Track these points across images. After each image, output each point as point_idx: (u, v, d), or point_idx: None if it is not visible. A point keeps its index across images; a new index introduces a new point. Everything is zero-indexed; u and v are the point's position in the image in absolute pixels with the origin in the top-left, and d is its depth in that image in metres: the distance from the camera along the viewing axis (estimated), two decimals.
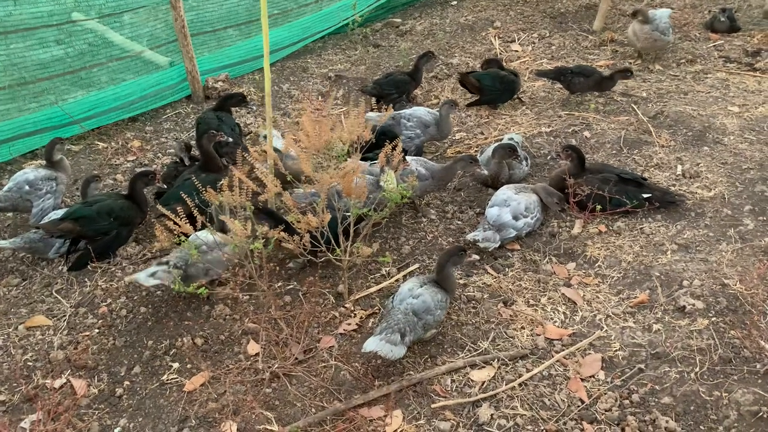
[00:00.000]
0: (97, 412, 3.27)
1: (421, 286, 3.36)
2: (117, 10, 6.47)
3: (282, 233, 3.35)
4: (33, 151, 5.72)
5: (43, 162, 4.88)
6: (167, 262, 3.69)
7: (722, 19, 7.10)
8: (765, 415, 2.95)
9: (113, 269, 4.24)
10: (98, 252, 4.17)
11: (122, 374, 3.48)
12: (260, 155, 3.52)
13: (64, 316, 3.89)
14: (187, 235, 3.42)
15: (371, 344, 3.14)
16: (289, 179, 3.95)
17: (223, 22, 7.31)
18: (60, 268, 4.29)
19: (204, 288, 3.41)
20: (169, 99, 6.56)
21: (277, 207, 4.21)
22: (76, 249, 4.29)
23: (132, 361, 3.56)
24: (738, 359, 3.25)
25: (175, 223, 3.30)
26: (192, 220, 3.42)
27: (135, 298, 3.97)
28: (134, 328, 3.77)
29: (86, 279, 4.18)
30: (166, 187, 4.61)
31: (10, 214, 4.82)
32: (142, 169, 5.27)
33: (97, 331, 3.76)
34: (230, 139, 4.79)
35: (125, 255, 4.35)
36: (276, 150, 4.02)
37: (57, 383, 3.41)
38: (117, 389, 3.38)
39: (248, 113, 6.39)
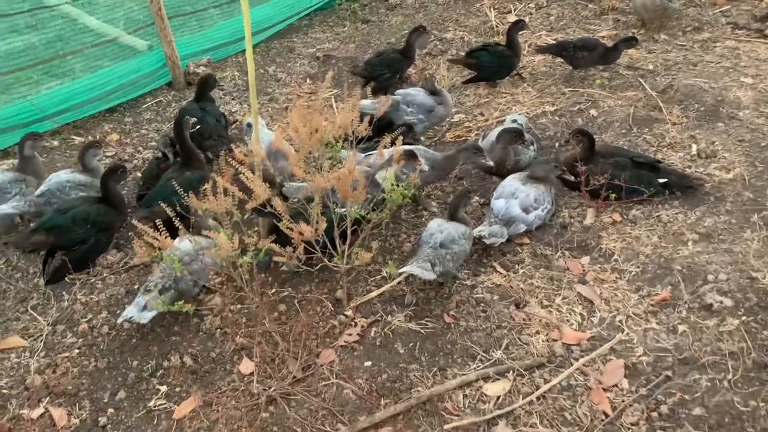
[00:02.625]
0: None
1: (448, 222, 3.66)
2: None
3: (272, 245, 3.04)
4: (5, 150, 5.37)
5: (15, 162, 4.53)
6: (155, 286, 3.36)
7: None
8: None
9: (93, 280, 3.93)
10: (76, 263, 3.86)
11: (105, 400, 3.20)
12: (247, 155, 3.17)
13: (41, 335, 3.59)
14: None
15: (407, 268, 3.39)
16: (279, 181, 3.62)
17: (204, 2, 6.88)
18: (36, 280, 3.98)
19: (191, 306, 3.11)
20: (149, 87, 6.18)
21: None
22: (53, 259, 3.98)
23: (116, 385, 3.28)
24: None
25: (153, 234, 2.98)
26: (172, 230, 3.11)
27: (117, 312, 3.66)
28: (117, 346, 3.48)
29: (64, 293, 3.87)
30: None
31: None
32: (110, 163, 4.88)
33: (77, 351, 3.47)
34: (195, 121, 4.33)
35: (105, 264, 4.03)
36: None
37: (35, 413, 3.13)
38: (100, 418, 3.11)
39: (233, 100, 6.03)
